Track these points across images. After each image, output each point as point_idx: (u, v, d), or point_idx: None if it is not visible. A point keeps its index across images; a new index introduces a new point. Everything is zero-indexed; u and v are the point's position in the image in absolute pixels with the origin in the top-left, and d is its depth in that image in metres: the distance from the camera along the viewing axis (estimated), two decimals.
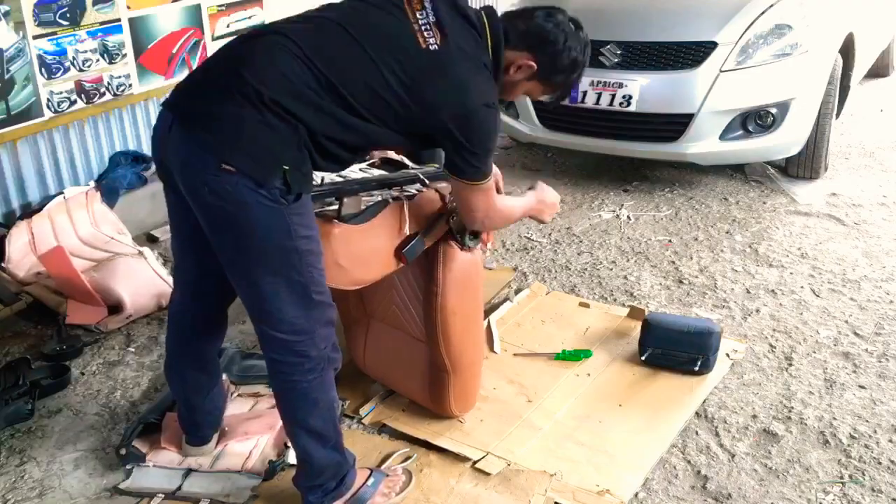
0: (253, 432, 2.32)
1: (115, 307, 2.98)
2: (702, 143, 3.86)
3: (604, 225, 3.80)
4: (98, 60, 3.55)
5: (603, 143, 4.10)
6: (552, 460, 2.21)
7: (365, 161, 2.28)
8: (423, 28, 1.81)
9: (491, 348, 2.76)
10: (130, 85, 3.73)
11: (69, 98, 3.47)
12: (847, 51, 4.22)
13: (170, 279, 2.98)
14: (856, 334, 2.81)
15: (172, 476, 2.19)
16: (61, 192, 3.39)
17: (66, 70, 3.44)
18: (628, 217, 3.88)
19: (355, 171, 2.21)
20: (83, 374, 2.72)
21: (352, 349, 2.58)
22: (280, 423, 2.05)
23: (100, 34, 3.54)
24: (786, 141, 3.89)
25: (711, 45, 3.77)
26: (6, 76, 3.23)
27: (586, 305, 3.04)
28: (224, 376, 2.40)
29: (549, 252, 3.54)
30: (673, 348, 2.55)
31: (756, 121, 3.83)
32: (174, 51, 3.90)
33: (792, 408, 2.43)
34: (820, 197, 4.01)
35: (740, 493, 2.11)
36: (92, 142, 3.67)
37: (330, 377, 1.92)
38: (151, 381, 2.66)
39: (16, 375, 2.57)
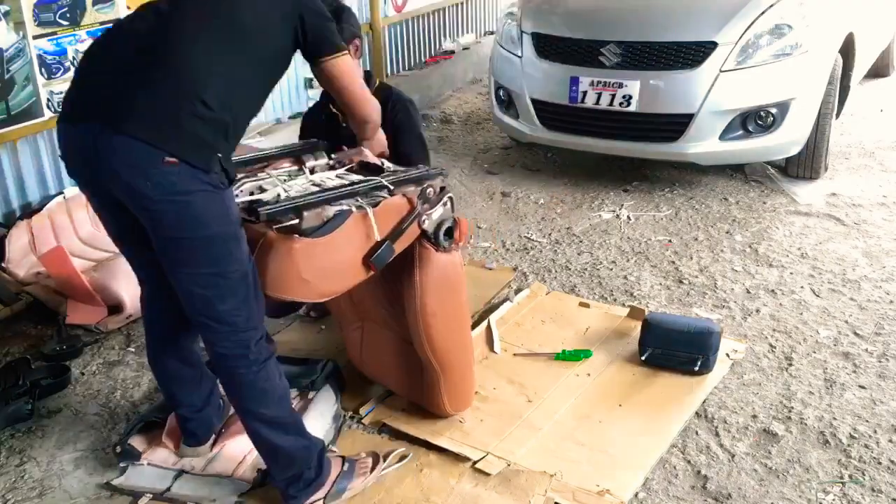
0: None
1: (115, 307, 2.98)
2: (702, 143, 3.86)
3: (604, 225, 3.80)
4: None
5: (603, 143, 4.11)
6: (552, 460, 2.21)
7: (343, 166, 2.25)
8: None
9: (491, 348, 2.76)
10: None
11: None
12: (847, 51, 4.22)
13: None
14: (856, 334, 2.81)
15: (164, 476, 2.21)
16: (61, 192, 3.40)
17: (66, 70, 3.45)
18: (628, 217, 3.88)
19: (332, 178, 2.17)
20: (83, 374, 2.73)
21: (349, 349, 2.58)
22: None
23: (100, 34, 3.53)
24: (786, 141, 3.90)
25: (711, 45, 3.77)
26: (6, 76, 3.23)
27: (586, 305, 3.04)
28: None
29: (549, 252, 3.54)
30: (673, 348, 2.56)
31: (756, 121, 3.83)
32: None
33: (792, 408, 2.43)
34: (820, 197, 4.00)
35: (740, 493, 2.11)
36: None
37: (274, 363, 1.95)
38: (151, 381, 2.66)
39: (16, 375, 2.58)
